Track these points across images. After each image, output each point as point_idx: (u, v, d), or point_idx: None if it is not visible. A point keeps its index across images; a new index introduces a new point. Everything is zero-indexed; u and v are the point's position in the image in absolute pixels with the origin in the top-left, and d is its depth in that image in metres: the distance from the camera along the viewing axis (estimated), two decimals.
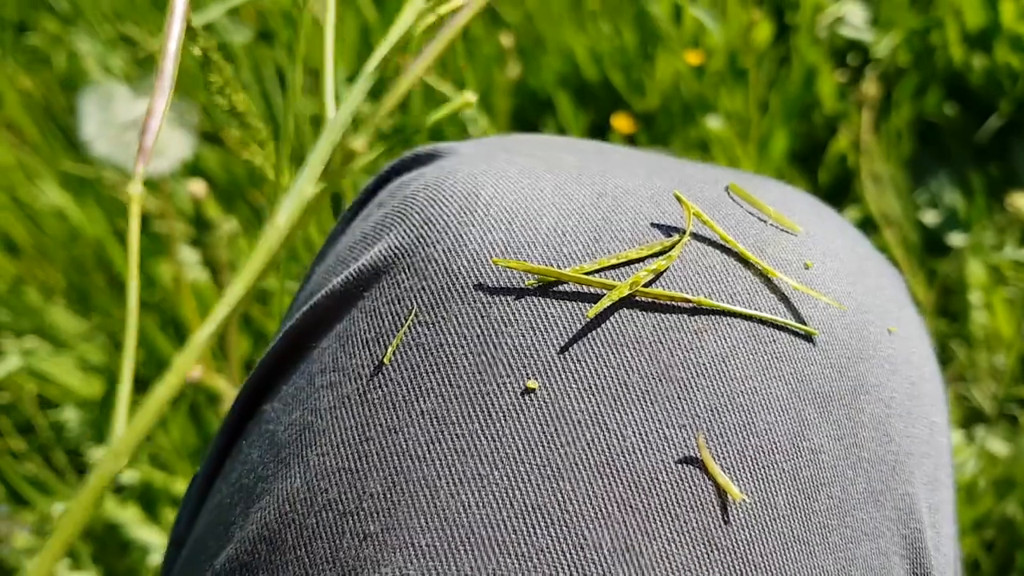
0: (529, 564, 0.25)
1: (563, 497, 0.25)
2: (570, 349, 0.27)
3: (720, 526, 0.26)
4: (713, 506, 0.26)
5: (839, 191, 1.24)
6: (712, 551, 0.26)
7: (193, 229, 1.06)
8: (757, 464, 0.27)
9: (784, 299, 0.30)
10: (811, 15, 1.31)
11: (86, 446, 1.07)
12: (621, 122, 1.10)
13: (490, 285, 0.28)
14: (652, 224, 0.30)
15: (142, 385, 1.13)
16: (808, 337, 0.29)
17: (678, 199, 0.31)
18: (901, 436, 0.30)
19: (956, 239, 1.17)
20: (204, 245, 1.09)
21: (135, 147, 0.77)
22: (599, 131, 1.28)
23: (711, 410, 0.27)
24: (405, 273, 0.29)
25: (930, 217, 1.20)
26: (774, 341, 0.29)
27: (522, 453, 0.26)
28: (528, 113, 1.31)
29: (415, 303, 0.29)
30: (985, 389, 1.07)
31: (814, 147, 1.27)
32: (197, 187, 0.83)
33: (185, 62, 1.30)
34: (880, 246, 1.16)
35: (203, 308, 1.06)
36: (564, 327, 0.28)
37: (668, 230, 0.30)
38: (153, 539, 0.94)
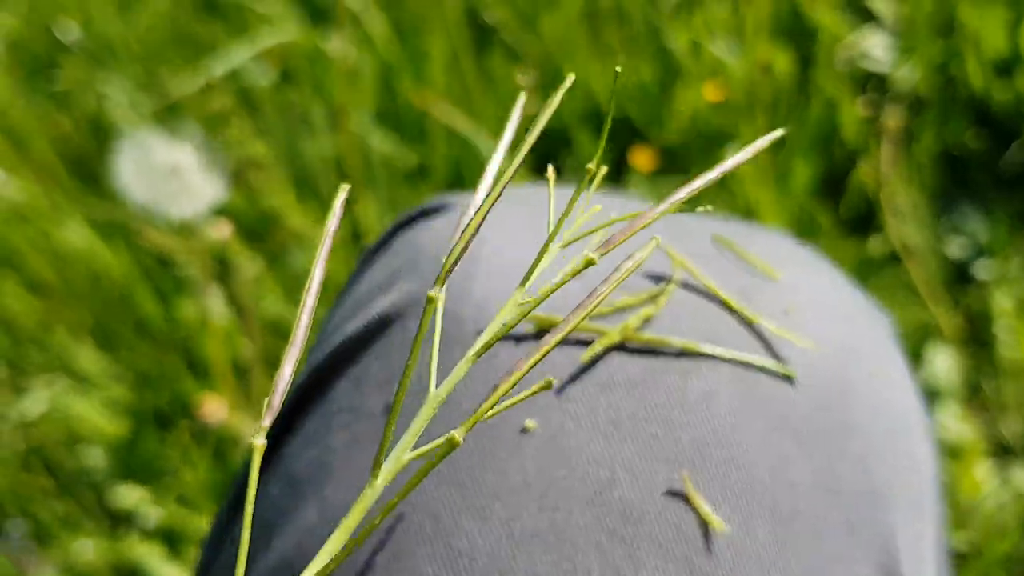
0: None
1: (558, 526, 0.27)
2: (565, 390, 0.29)
3: (702, 554, 0.28)
4: (696, 536, 0.28)
5: (862, 223, 1.23)
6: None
7: (218, 268, 1.07)
8: (738, 497, 0.29)
9: (766, 343, 0.32)
10: (830, 46, 1.31)
11: (112, 484, 1.08)
12: (641, 158, 1.10)
13: None
14: (644, 275, 0.32)
15: (165, 422, 1.14)
16: (789, 378, 0.31)
17: (666, 251, 0.33)
18: (881, 471, 0.32)
19: (981, 270, 1.16)
20: (229, 285, 1.10)
21: (170, 193, 0.79)
22: (617, 166, 1.29)
23: (696, 446, 0.29)
24: (414, 320, 0.32)
25: (955, 248, 1.19)
26: (757, 382, 0.31)
27: (520, 486, 0.28)
28: (548, 149, 1.32)
29: (424, 346, 0.31)
30: (1013, 422, 1.06)
31: (836, 179, 1.26)
32: (223, 228, 0.84)
33: (214, 105, 1.32)
34: (904, 279, 1.15)
35: (228, 348, 1.07)
36: (560, 371, 0.30)
37: (658, 279, 0.32)
38: None
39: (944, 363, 1.08)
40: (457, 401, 0.29)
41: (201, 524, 1.00)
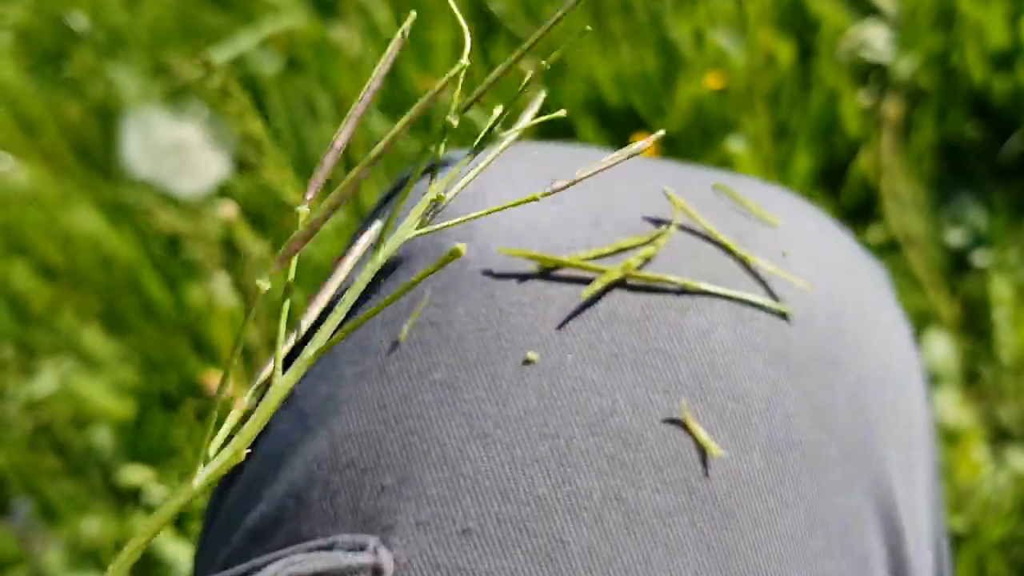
0: (527, 509, 0.28)
1: (559, 452, 0.28)
2: (567, 325, 0.30)
3: (700, 478, 0.29)
4: (694, 461, 0.29)
5: (862, 212, 1.24)
6: (692, 499, 0.28)
7: (224, 253, 1.09)
8: (735, 426, 0.30)
9: (763, 283, 0.33)
10: (832, 38, 1.32)
11: (118, 465, 1.10)
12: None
13: (496, 271, 0.31)
14: (644, 217, 0.33)
15: (172, 404, 1.15)
16: (785, 316, 0.32)
17: (667, 195, 0.34)
18: (872, 405, 0.33)
19: (981, 258, 1.17)
20: (235, 269, 1.12)
21: (175, 168, 0.80)
22: None
23: (694, 378, 0.30)
24: (419, 262, 0.33)
25: (954, 237, 1.20)
26: (753, 319, 0.32)
27: (522, 414, 0.29)
28: (551, 137, 1.33)
29: (428, 287, 0.32)
30: (1010, 407, 1.07)
31: (837, 169, 1.27)
32: (228, 209, 0.86)
33: (219, 87, 1.33)
34: (903, 266, 1.16)
35: (233, 331, 1.08)
36: (562, 307, 0.31)
37: (658, 222, 0.33)
38: (182, 555, 0.95)
39: (943, 349, 1.09)
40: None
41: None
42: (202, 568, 0.36)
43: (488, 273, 0.31)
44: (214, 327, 1.09)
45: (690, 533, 0.28)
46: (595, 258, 0.31)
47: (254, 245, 0.90)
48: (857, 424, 0.32)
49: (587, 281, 0.31)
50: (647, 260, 0.32)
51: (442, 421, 0.29)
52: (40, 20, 1.69)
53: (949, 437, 1.04)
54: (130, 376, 1.15)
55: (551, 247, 0.32)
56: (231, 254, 1.12)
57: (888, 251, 1.18)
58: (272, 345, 1.06)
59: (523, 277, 0.31)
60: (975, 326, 1.14)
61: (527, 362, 0.30)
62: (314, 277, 1.13)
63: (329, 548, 0.28)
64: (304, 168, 1.25)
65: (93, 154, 1.38)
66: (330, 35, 1.35)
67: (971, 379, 1.10)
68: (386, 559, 0.27)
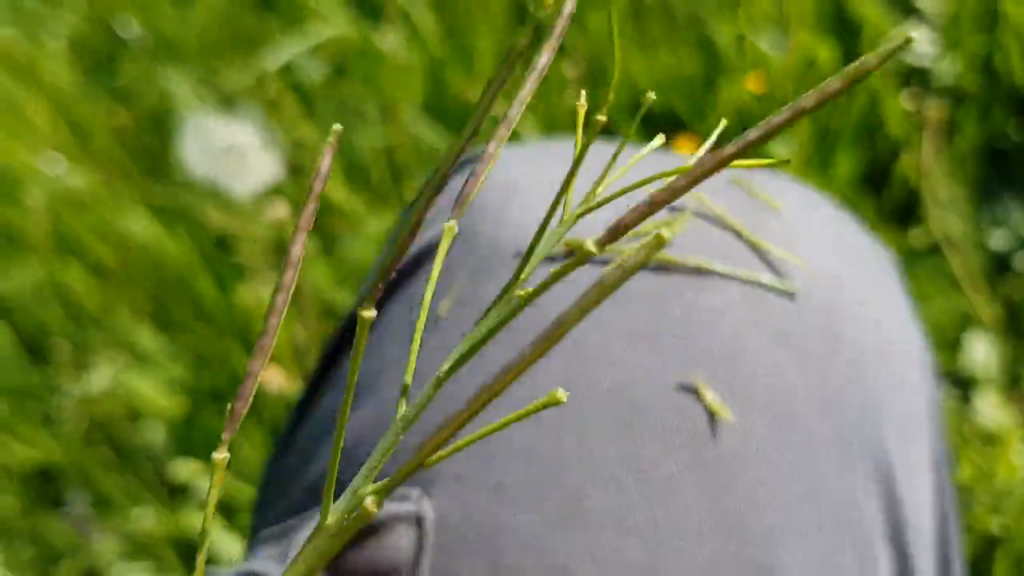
0: (550, 468, 0.30)
1: (579, 418, 0.31)
2: None
3: (708, 441, 0.31)
4: (703, 425, 0.31)
5: (905, 214, 1.24)
6: (700, 460, 0.31)
7: (274, 256, 1.12)
8: (742, 397, 0.32)
9: (770, 266, 0.35)
10: (874, 40, 1.32)
11: (171, 459, 1.13)
12: (684, 144, 1.13)
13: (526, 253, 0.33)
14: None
15: (221, 400, 1.18)
16: (791, 297, 0.34)
17: None
18: (871, 385, 0.35)
19: (1022, 261, 1.17)
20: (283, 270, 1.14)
21: (231, 170, 0.83)
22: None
23: (705, 352, 0.32)
24: (457, 246, 0.35)
25: (996, 239, 1.20)
26: (762, 299, 0.34)
27: (545, 382, 0.31)
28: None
29: (465, 268, 0.34)
30: None
31: (880, 171, 1.28)
32: (280, 209, 0.88)
33: (272, 94, 1.36)
34: (945, 268, 1.16)
35: (284, 330, 1.11)
36: (585, 284, 0.32)
37: (674, 208, 0.36)
38: (233, 548, 0.98)
39: (983, 351, 1.09)
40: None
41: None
42: (259, 525, 0.39)
43: (519, 254, 0.34)
44: (262, 326, 1.12)
45: (695, 492, 0.30)
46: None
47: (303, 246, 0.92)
48: (854, 401, 0.34)
49: (607, 262, 0.33)
50: (664, 243, 0.33)
51: (471, 386, 0.31)
52: (91, 27, 1.74)
53: (989, 438, 1.04)
54: (181, 373, 1.18)
55: (577, 231, 0.33)
56: (281, 255, 1.14)
57: (930, 253, 1.18)
58: (319, 342, 1.09)
59: (552, 258, 0.33)
60: (1017, 328, 1.13)
61: None
62: (360, 275, 1.15)
63: None
64: (352, 171, 1.28)
65: (145, 158, 1.42)
66: (376, 41, 1.38)
67: (1012, 381, 1.10)
68: (427, 508, 0.30)
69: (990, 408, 1.05)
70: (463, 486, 0.31)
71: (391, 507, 0.30)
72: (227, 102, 1.31)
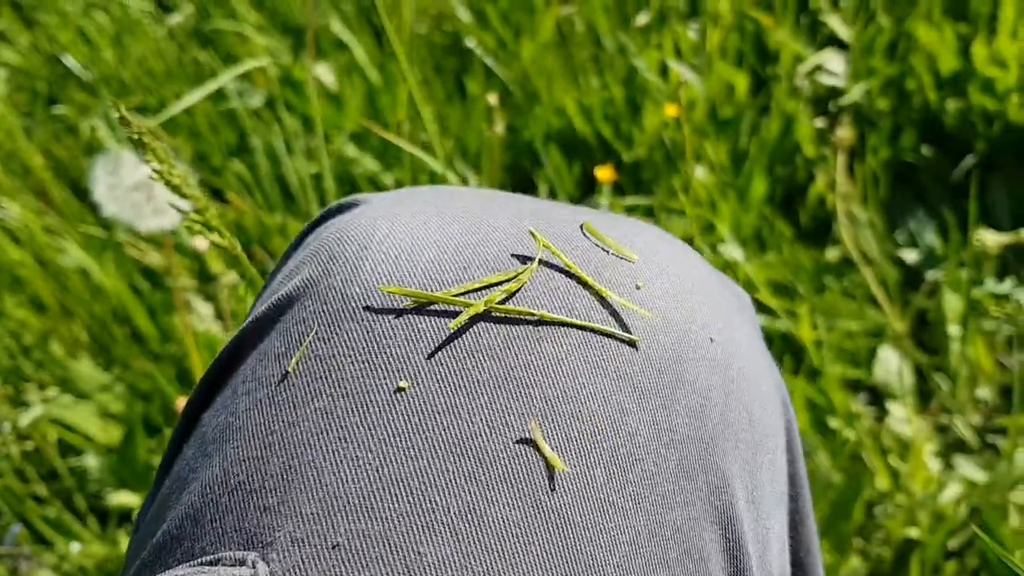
0: (390, 524, 0.31)
1: (421, 472, 0.32)
2: (435, 356, 0.34)
3: (547, 492, 0.32)
4: (542, 477, 0.32)
5: (820, 233, 1.28)
6: (539, 512, 0.32)
7: (199, 283, 1.13)
8: (581, 444, 0.33)
9: (615, 313, 0.37)
10: (790, 66, 1.37)
11: (105, 491, 1.14)
12: (604, 173, 1.16)
13: (376, 307, 0.35)
14: (512, 254, 0.37)
15: (154, 431, 1.19)
16: (632, 343, 0.36)
17: (532, 234, 0.38)
18: (715, 422, 0.37)
19: (935, 275, 1.21)
20: (214, 298, 1.16)
21: (139, 207, 0.85)
22: (588, 181, 1.35)
23: (546, 401, 0.34)
24: (311, 299, 0.37)
25: (909, 255, 1.24)
26: (603, 346, 0.35)
27: (391, 438, 0.32)
28: (520, 166, 1.38)
29: (317, 323, 0.36)
30: (967, 420, 1.10)
31: (794, 191, 1.32)
32: (200, 242, 0.90)
33: (194, 125, 1.38)
34: (860, 284, 1.20)
35: (211, 356, 1.12)
36: (432, 339, 0.34)
37: (524, 259, 0.37)
38: None
39: (897, 363, 1.12)
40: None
41: None
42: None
43: (369, 309, 0.35)
44: (193, 353, 1.14)
45: (537, 542, 0.31)
46: (464, 293, 0.35)
47: (225, 273, 0.94)
48: (696, 439, 0.36)
49: (456, 315, 0.35)
50: (511, 295, 0.36)
51: (320, 446, 0.33)
52: (31, 63, 1.75)
53: (903, 448, 1.07)
54: (116, 403, 1.19)
55: (428, 283, 0.36)
56: (206, 282, 1.16)
57: (845, 268, 1.22)
58: None
59: (399, 312, 0.35)
60: (928, 340, 1.17)
61: (399, 390, 0.33)
62: None
63: (214, 564, 0.31)
64: (281, 199, 1.30)
65: (80, 192, 1.43)
66: (307, 71, 1.41)
67: (924, 392, 1.14)
68: (263, 573, 0.30)
69: (904, 419, 1.09)
70: (300, 548, 0.31)
71: (226, 573, 0.30)
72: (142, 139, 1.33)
